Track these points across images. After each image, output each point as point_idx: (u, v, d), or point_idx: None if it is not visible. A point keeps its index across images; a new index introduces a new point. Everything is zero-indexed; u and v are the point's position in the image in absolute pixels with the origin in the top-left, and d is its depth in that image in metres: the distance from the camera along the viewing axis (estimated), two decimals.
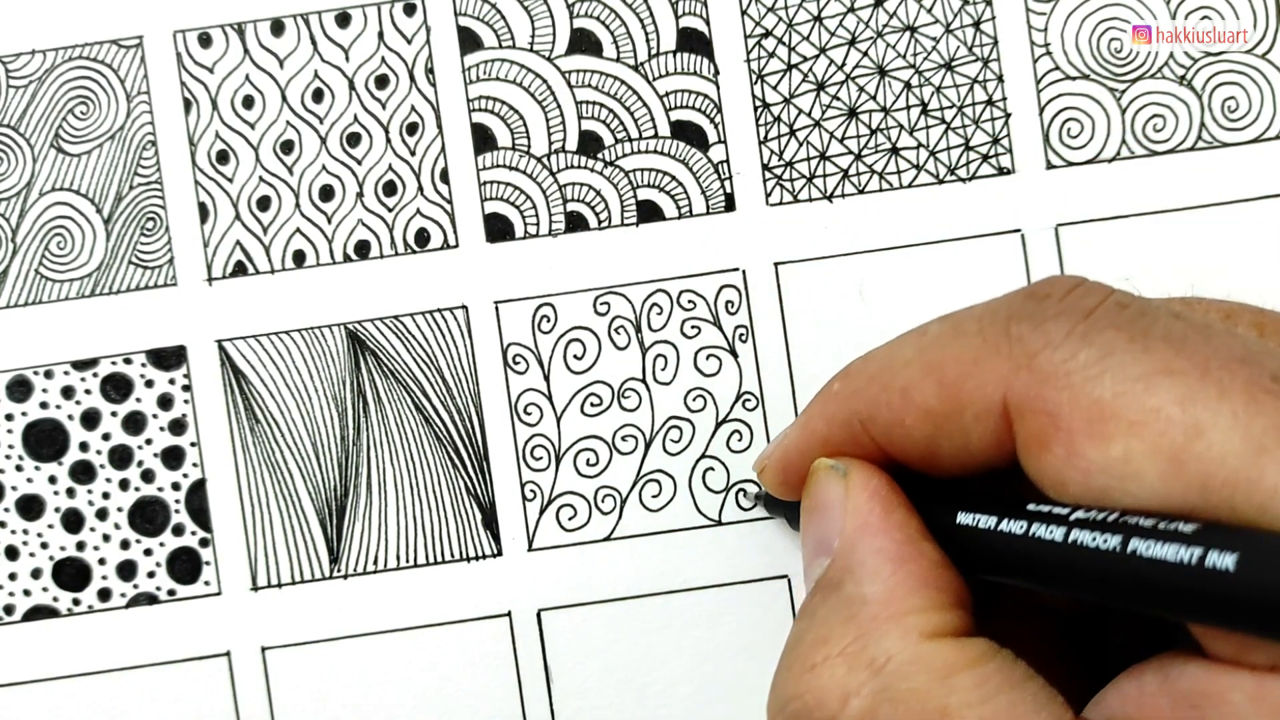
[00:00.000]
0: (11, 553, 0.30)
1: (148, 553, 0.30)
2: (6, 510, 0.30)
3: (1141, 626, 0.22)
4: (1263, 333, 0.21)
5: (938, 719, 0.19)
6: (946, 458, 0.21)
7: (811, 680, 0.20)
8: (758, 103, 0.30)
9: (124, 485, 0.30)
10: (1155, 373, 0.18)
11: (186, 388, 0.30)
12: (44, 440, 0.30)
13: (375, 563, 0.30)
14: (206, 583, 0.30)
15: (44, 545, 0.30)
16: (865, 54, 0.30)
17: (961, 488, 0.22)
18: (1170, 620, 0.18)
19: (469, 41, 0.31)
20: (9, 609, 0.30)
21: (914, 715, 0.19)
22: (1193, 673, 0.18)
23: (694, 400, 0.30)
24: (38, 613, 0.30)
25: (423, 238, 0.30)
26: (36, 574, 0.30)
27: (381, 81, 0.30)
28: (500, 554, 0.30)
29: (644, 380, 0.30)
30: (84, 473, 0.30)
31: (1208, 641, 0.18)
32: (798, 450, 0.24)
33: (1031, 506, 0.20)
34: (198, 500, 0.30)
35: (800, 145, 0.30)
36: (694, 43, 0.31)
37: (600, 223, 0.30)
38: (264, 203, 0.30)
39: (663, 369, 0.30)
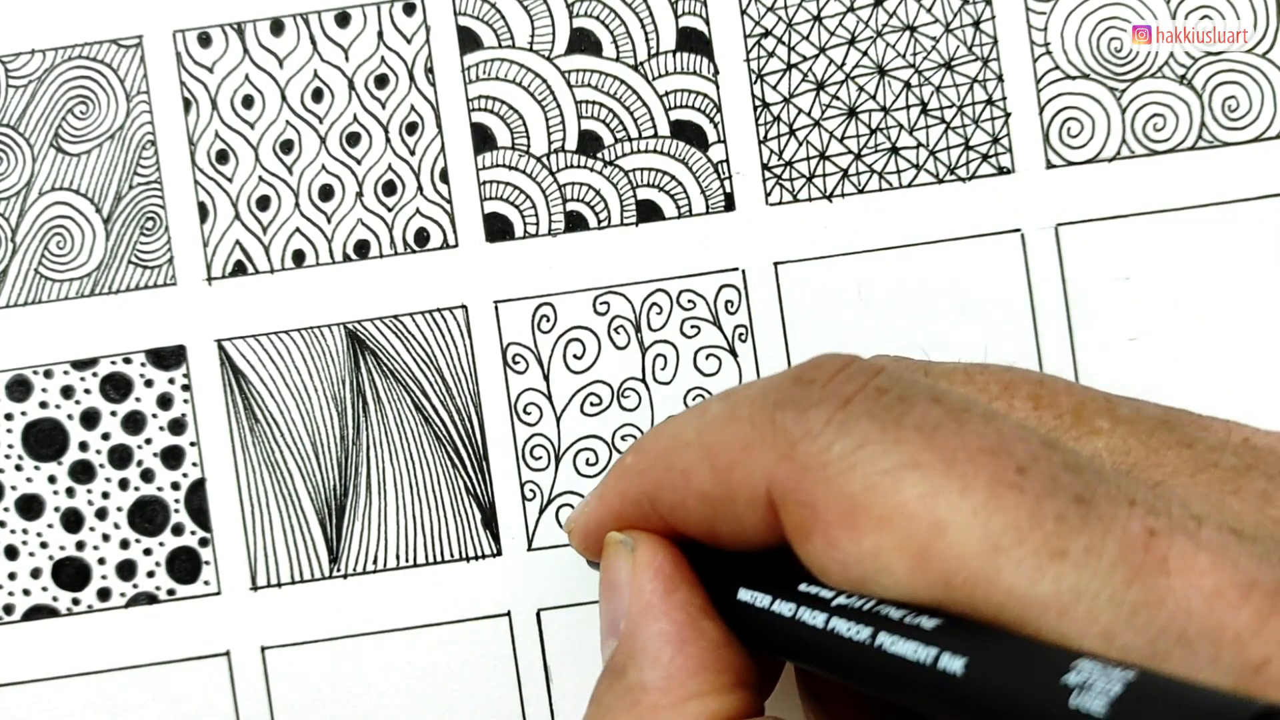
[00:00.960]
0: (11, 552, 0.30)
1: (147, 552, 0.30)
2: (6, 510, 0.30)
3: None
4: (1038, 405, 0.21)
5: None
6: (728, 538, 0.21)
7: None
8: (757, 102, 0.30)
9: (124, 485, 0.30)
10: (903, 466, 0.18)
11: (186, 387, 0.30)
12: (43, 440, 0.30)
13: (375, 562, 0.30)
14: (206, 582, 0.30)
15: (44, 545, 0.30)
16: (865, 54, 0.30)
17: (748, 562, 0.22)
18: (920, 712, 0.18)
19: (469, 41, 0.31)
20: (9, 609, 0.30)
21: None
22: None
23: (694, 400, 0.30)
24: (37, 612, 0.30)
25: (422, 237, 0.30)
26: (36, 574, 0.30)
27: (381, 81, 0.30)
28: (500, 554, 0.30)
29: (644, 380, 0.30)
30: (83, 472, 0.30)
31: None
32: (595, 522, 0.24)
33: (802, 588, 0.20)
34: (197, 500, 0.30)
35: (800, 145, 0.30)
36: (694, 42, 0.31)
37: (600, 222, 0.30)
38: (264, 202, 0.30)
39: (662, 369, 0.30)
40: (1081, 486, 0.17)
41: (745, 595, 0.21)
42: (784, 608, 0.20)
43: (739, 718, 0.20)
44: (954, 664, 0.17)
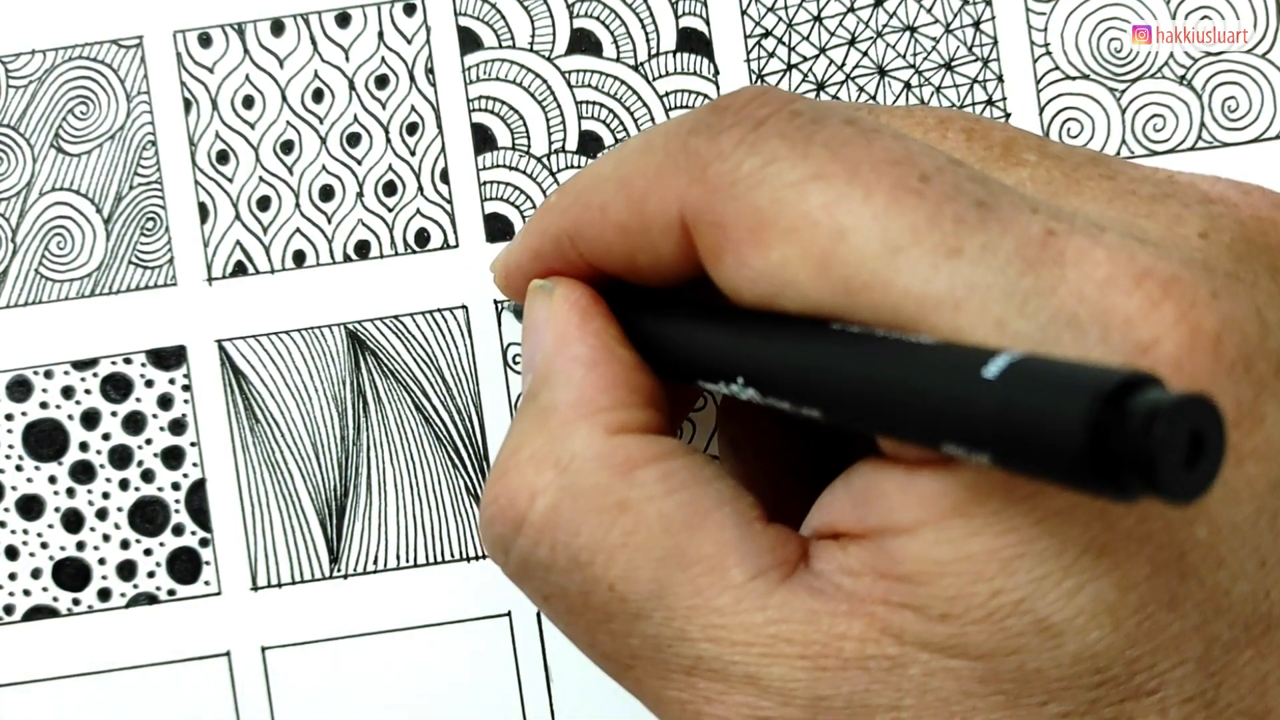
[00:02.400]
0: (11, 553, 0.30)
1: (148, 553, 0.30)
2: (6, 510, 0.30)
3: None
4: (970, 137, 0.21)
5: (617, 513, 0.20)
6: (646, 270, 0.22)
7: (504, 483, 0.21)
8: None
9: (124, 485, 0.30)
10: (809, 178, 0.18)
11: (186, 388, 0.30)
12: (44, 440, 0.30)
13: (375, 563, 0.30)
14: (206, 583, 0.30)
15: (44, 545, 0.30)
16: (865, 54, 0.30)
17: (665, 295, 0.22)
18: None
19: (469, 41, 0.31)
20: (9, 609, 0.30)
21: (594, 509, 0.20)
22: (865, 471, 0.19)
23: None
24: (38, 613, 0.30)
25: (423, 238, 0.30)
26: (36, 574, 0.30)
27: (381, 81, 0.30)
28: None
29: None
30: (84, 473, 0.30)
31: (880, 440, 0.18)
32: (515, 261, 0.24)
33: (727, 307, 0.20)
34: (198, 500, 0.30)
35: None
36: (694, 43, 0.31)
37: None
38: (264, 203, 0.30)
39: None
40: (984, 194, 0.18)
41: (658, 321, 0.22)
42: (713, 330, 0.20)
43: (646, 431, 0.21)
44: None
